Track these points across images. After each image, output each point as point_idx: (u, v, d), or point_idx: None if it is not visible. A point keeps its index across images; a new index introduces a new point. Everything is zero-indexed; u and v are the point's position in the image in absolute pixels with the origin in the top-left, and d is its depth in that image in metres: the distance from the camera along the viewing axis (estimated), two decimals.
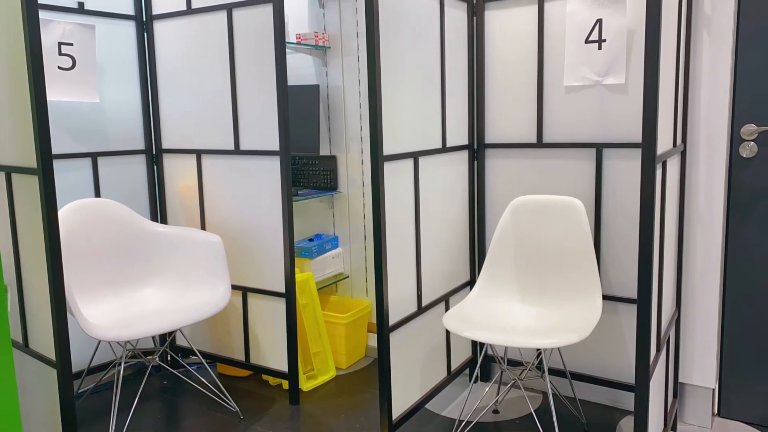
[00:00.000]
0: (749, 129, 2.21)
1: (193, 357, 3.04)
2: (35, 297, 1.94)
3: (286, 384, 2.73)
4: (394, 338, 2.14)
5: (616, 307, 2.33)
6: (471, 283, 2.63)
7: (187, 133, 2.74)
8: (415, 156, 2.18)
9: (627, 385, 2.34)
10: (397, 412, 2.17)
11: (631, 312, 2.30)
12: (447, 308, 2.47)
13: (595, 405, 2.52)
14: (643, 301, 1.63)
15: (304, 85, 2.98)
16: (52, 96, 2.46)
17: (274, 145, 2.48)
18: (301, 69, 3.11)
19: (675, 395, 2.32)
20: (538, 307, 2.25)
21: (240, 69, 2.53)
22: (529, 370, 2.41)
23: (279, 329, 2.60)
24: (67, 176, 2.59)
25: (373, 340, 3.10)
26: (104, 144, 2.71)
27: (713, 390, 2.33)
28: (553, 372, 2.49)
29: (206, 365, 2.61)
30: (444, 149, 2.34)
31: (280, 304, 2.58)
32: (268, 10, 2.41)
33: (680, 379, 2.36)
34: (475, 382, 2.74)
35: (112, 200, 2.56)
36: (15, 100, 1.83)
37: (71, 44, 2.49)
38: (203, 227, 2.76)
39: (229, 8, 2.51)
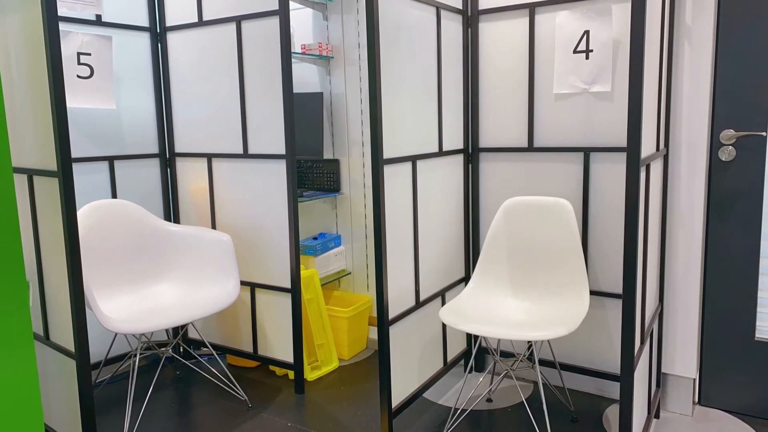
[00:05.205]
0: (728, 134, 2.21)
1: (204, 349, 3.04)
2: (55, 292, 1.94)
3: (291, 374, 2.73)
4: (394, 331, 2.14)
5: (602, 301, 2.32)
6: (466, 279, 2.63)
7: (199, 137, 2.74)
8: (414, 159, 2.18)
9: (613, 375, 2.34)
10: (396, 400, 2.17)
11: (617, 306, 2.30)
12: (443, 303, 2.47)
13: (582, 394, 2.52)
14: (627, 296, 1.63)
15: (308, 92, 2.98)
16: (71, 103, 2.46)
17: (281, 149, 2.48)
18: (306, 77, 3.11)
19: (658, 385, 2.32)
20: (529, 301, 2.24)
21: (248, 77, 2.53)
22: (521, 361, 2.41)
23: (285, 323, 2.60)
24: (86, 178, 2.59)
25: (373, 333, 3.10)
26: (120, 148, 2.70)
27: (694, 380, 2.33)
28: (543, 363, 2.49)
29: (216, 356, 2.61)
30: (440, 153, 2.34)
31: (286, 299, 2.58)
32: (274, 22, 2.41)
33: (663, 370, 2.36)
34: (469, 372, 2.74)
35: (128, 201, 2.56)
36: (36, 106, 1.83)
37: (89, 54, 2.49)
38: (214, 227, 2.76)
39: (238, 20, 2.51)
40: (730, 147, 2.21)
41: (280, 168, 2.49)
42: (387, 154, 2.03)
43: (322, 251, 2.97)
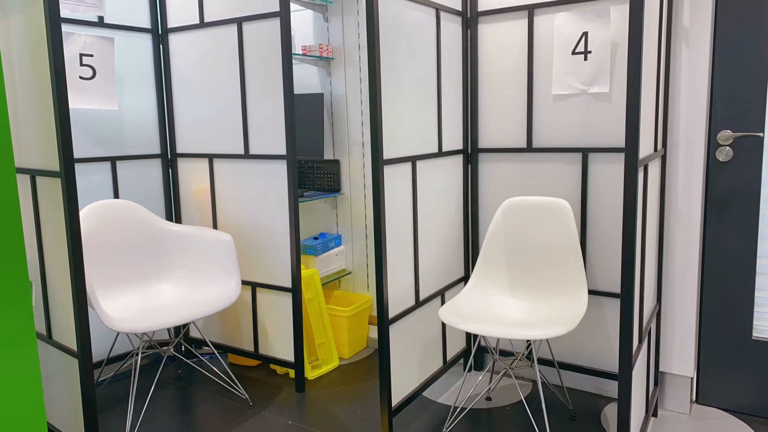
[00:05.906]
0: (725, 135, 2.21)
1: (206, 348, 3.04)
2: (58, 292, 1.94)
3: (292, 373, 2.73)
4: (394, 330, 2.14)
5: (600, 301, 2.33)
6: (465, 278, 2.63)
7: (200, 138, 2.74)
8: (413, 160, 2.18)
9: (611, 374, 2.34)
10: (396, 399, 2.17)
11: (615, 305, 2.30)
12: (443, 302, 2.47)
13: (581, 392, 2.52)
14: (626, 296, 1.63)
15: (309, 93, 2.98)
16: (73, 104, 2.46)
17: (281, 149, 2.48)
18: (307, 78, 3.11)
19: (656, 383, 2.32)
20: (528, 301, 2.25)
21: (249, 78, 2.53)
22: (520, 360, 2.41)
23: (286, 322, 2.60)
24: (88, 179, 2.59)
25: (373, 332, 3.10)
26: (123, 149, 2.71)
27: (692, 378, 2.33)
28: (542, 362, 2.49)
29: (218, 355, 2.61)
30: (440, 154, 2.34)
31: (287, 299, 2.58)
32: (275, 23, 2.41)
33: (661, 368, 2.36)
34: (469, 371, 2.74)
35: (130, 201, 2.56)
36: (39, 107, 1.83)
37: (91, 55, 2.49)
38: (215, 227, 2.76)
39: (239, 22, 2.51)
40: (728, 147, 2.21)
41: (281, 168, 2.49)
42: (387, 154, 2.03)
43: (322, 251, 2.97)
